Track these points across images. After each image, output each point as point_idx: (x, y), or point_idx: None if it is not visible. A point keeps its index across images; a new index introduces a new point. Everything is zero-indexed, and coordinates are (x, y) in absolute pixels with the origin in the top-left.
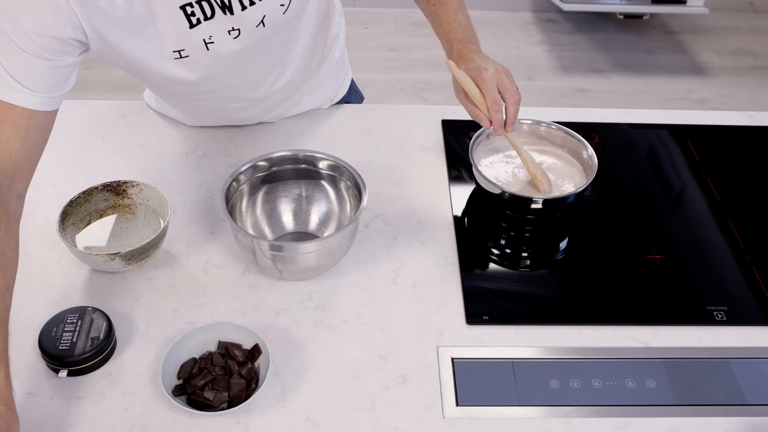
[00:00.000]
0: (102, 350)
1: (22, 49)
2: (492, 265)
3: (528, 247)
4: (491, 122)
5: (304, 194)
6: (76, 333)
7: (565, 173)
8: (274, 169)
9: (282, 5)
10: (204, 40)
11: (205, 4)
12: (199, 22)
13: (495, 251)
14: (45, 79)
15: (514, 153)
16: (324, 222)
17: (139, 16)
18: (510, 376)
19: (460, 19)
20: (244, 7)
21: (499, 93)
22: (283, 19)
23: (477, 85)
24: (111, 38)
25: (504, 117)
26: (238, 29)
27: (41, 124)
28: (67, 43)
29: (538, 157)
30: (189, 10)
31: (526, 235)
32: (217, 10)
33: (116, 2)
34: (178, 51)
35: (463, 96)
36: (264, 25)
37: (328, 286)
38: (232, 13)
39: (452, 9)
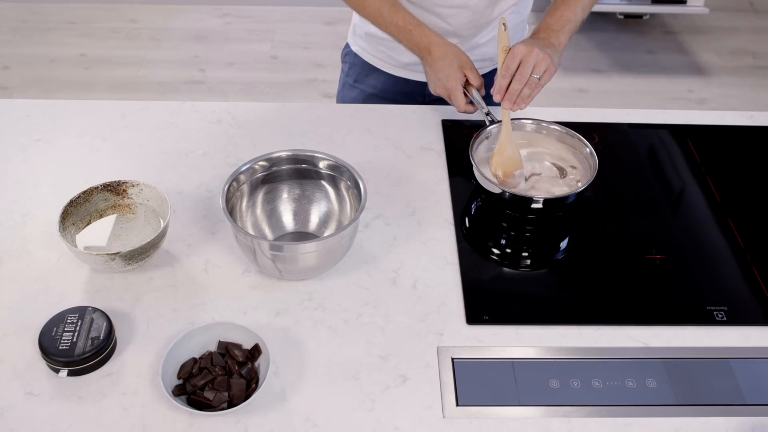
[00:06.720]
0: (102, 350)
1: None
2: (492, 265)
3: (528, 247)
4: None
5: (304, 194)
6: (76, 333)
7: (564, 173)
8: (274, 169)
9: None
10: None
11: None
12: None
13: (495, 251)
14: None
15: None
16: (324, 222)
17: None
18: (510, 376)
19: (566, 14)
20: None
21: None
22: None
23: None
24: None
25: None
26: None
27: None
28: None
29: (539, 158)
30: None
31: (527, 234)
32: None
33: None
34: None
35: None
36: None
37: (328, 286)
38: None
39: (570, 5)
